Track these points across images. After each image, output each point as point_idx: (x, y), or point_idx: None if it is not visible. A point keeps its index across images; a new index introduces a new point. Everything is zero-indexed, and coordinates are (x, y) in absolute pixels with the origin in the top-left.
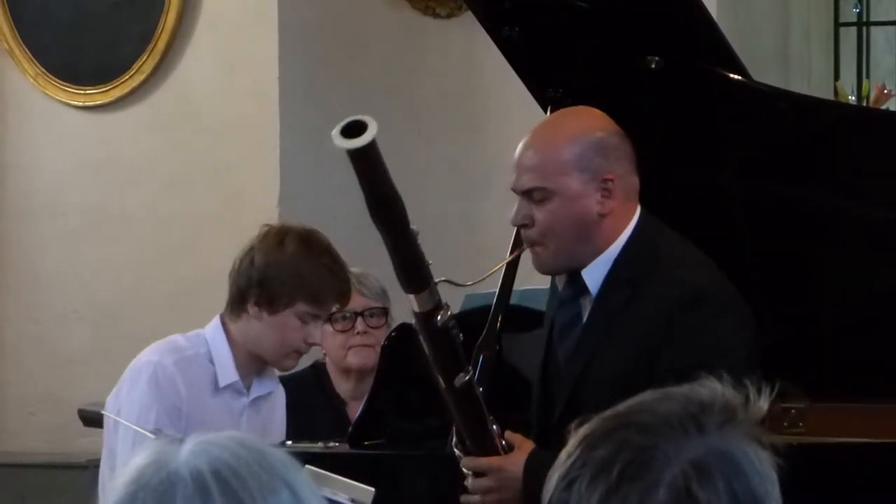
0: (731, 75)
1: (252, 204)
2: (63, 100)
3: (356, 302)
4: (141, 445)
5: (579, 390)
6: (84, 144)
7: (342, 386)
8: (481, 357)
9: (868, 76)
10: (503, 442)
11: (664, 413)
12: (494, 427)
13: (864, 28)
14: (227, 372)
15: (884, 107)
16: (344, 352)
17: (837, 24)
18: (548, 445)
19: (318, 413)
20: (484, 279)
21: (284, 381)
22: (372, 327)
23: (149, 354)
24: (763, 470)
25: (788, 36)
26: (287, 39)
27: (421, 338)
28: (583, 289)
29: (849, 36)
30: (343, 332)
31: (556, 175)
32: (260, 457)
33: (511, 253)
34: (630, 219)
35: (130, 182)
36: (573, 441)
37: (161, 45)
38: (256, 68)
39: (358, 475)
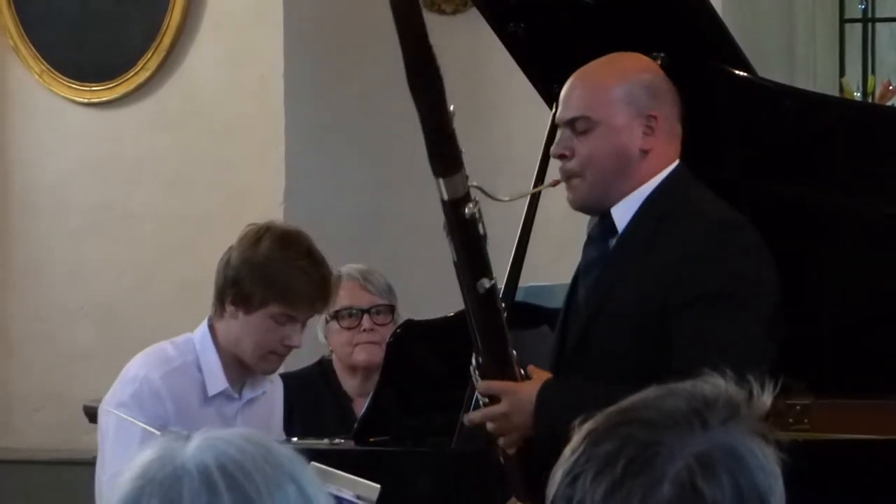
0: (737, 72)
1: (256, 202)
2: (68, 97)
3: (362, 299)
4: (139, 446)
5: (592, 324)
6: (88, 142)
7: (348, 383)
8: None
9: (873, 72)
10: (522, 371)
11: (668, 408)
12: (514, 352)
13: (870, 24)
14: (216, 380)
15: (889, 103)
16: (350, 349)
17: (842, 21)
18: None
19: (324, 410)
20: (516, 199)
21: (290, 377)
22: (378, 324)
23: (137, 367)
24: (767, 465)
25: (793, 32)
26: (291, 37)
27: (447, 232)
28: (611, 228)
29: (854, 32)
30: (349, 329)
31: (602, 106)
32: (266, 452)
33: (546, 184)
34: (668, 163)
35: (135, 179)
36: (577, 436)
37: (166, 42)
38: (261, 66)
39: (363, 472)
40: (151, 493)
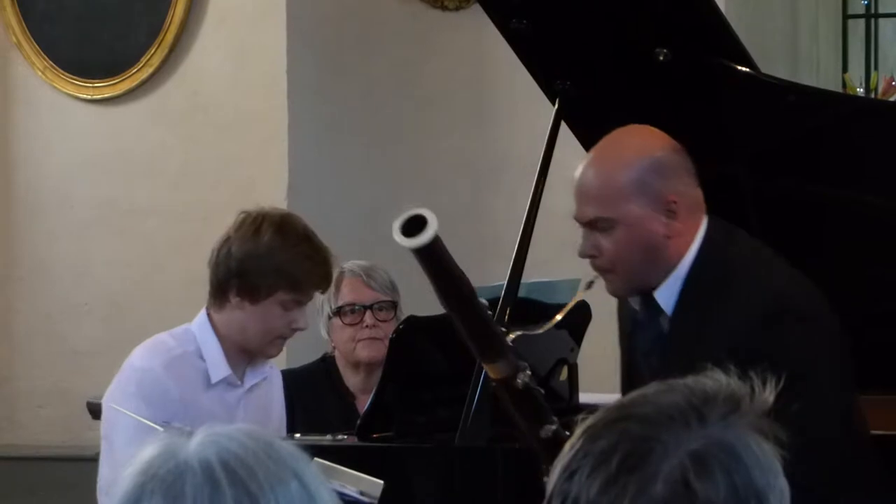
0: (740, 68)
1: (260, 197)
2: (72, 93)
3: (365, 295)
4: (143, 443)
5: None
6: (92, 138)
7: (351, 379)
8: None
9: (876, 68)
10: None
11: (666, 404)
12: None
13: (873, 20)
14: (219, 367)
15: (892, 98)
16: (353, 345)
17: (846, 17)
18: None
19: (328, 406)
20: (553, 322)
21: (294, 374)
22: (381, 320)
23: (138, 360)
24: (766, 462)
25: (797, 28)
26: (295, 32)
27: (507, 403)
28: (659, 309)
29: (857, 28)
30: (352, 325)
31: (617, 203)
32: (269, 448)
33: (580, 293)
34: (696, 233)
35: (139, 175)
36: (577, 433)
37: (169, 38)
38: (265, 61)
39: (366, 468)
40: (154, 489)
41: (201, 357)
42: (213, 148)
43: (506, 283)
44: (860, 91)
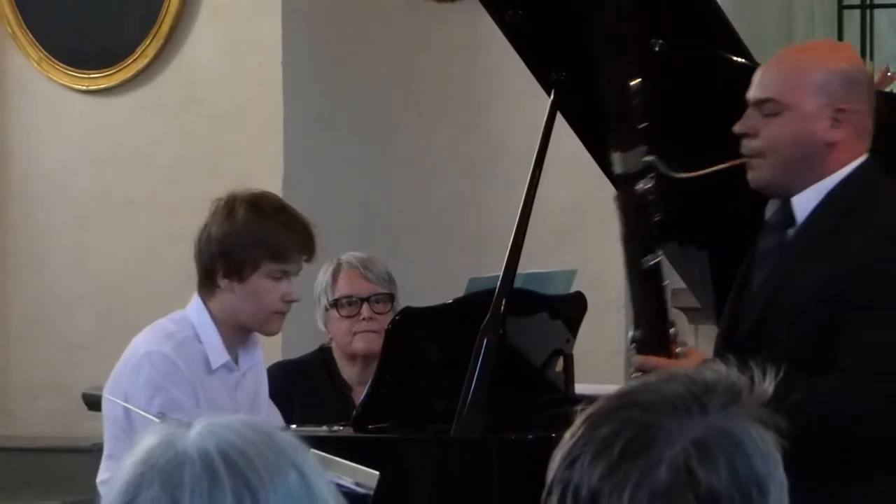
0: (735, 58)
1: (256, 188)
2: (66, 84)
3: (362, 287)
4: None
5: (766, 314)
6: (87, 129)
7: (348, 371)
8: (485, 341)
9: (871, 58)
10: (678, 349)
11: (668, 393)
12: (672, 330)
13: (868, 10)
14: (218, 353)
15: (887, 89)
16: (349, 337)
17: (841, 7)
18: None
19: (324, 398)
20: (699, 174)
21: (290, 365)
22: (378, 313)
23: (146, 345)
24: (766, 450)
25: (792, 19)
26: (291, 24)
27: (617, 206)
28: (790, 217)
29: (852, 18)
30: (348, 317)
31: (793, 91)
32: (268, 438)
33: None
34: (856, 157)
35: (134, 166)
36: (577, 420)
37: (164, 28)
38: (260, 52)
39: (362, 459)
40: (152, 479)
41: (200, 342)
42: (208, 139)
43: (501, 273)
44: None
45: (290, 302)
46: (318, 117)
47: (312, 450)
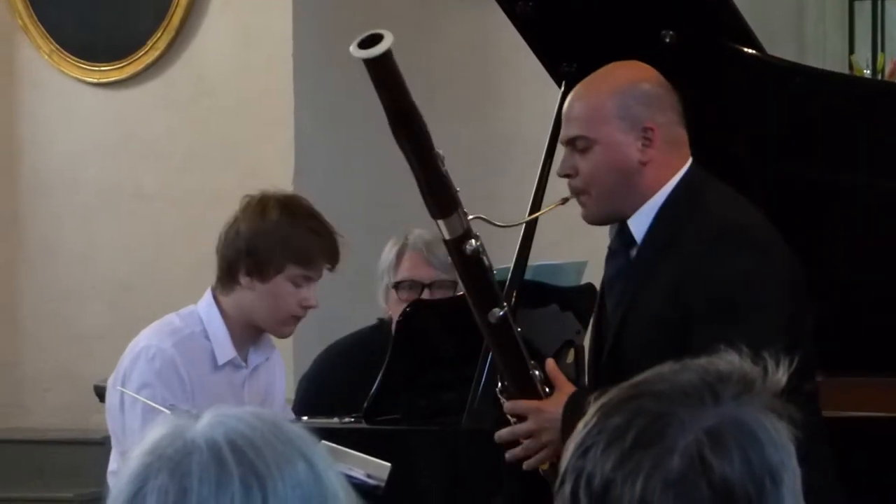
0: (746, 50)
1: (266, 180)
2: (78, 77)
3: (424, 272)
4: (152, 422)
5: (621, 332)
6: (99, 121)
7: None
8: None
9: (883, 50)
10: (546, 388)
11: (681, 382)
12: (536, 373)
13: (880, 2)
14: (225, 349)
15: None
16: None
17: None
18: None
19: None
20: (518, 224)
21: (350, 337)
22: None
23: (147, 339)
24: (779, 440)
25: (803, 10)
26: (301, 15)
27: (455, 269)
28: (630, 239)
29: (864, 10)
30: (407, 301)
31: (596, 124)
32: (276, 429)
33: (553, 204)
34: (676, 170)
35: (145, 158)
36: (591, 410)
37: (175, 21)
38: (271, 44)
39: (373, 450)
40: (160, 468)
41: (207, 339)
42: (218, 131)
43: (512, 265)
44: (867, 73)
45: (308, 308)
46: (328, 109)
47: (324, 441)
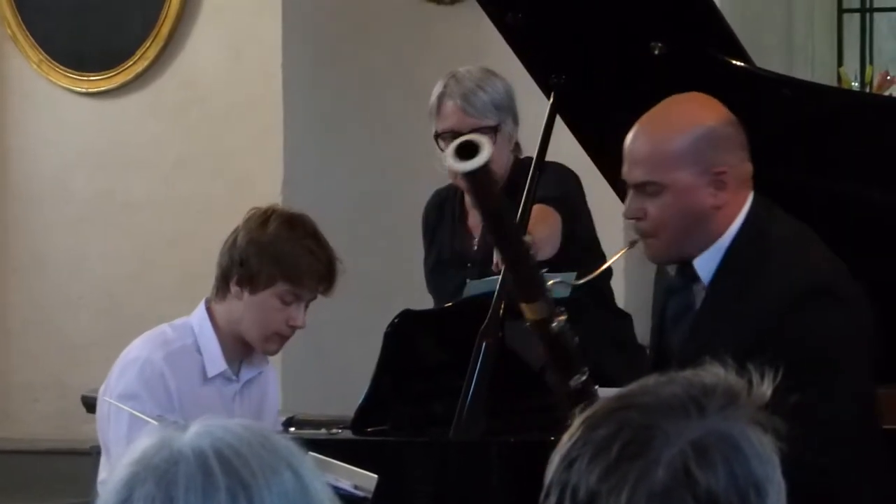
0: (734, 61)
1: (256, 189)
2: (67, 86)
3: (463, 122)
4: (139, 432)
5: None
6: (88, 130)
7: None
8: (484, 344)
9: (871, 63)
10: None
11: (666, 395)
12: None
13: (868, 14)
14: (215, 362)
15: (887, 93)
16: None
17: (841, 11)
18: None
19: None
20: (595, 276)
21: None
22: None
23: (138, 349)
24: (764, 453)
25: (792, 22)
26: (291, 25)
27: (543, 344)
28: (694, 277)
29: (852, 23)
30: None
31: (667, 169)
32: (263, 439)
33: (622, 250)
34: (742, 206)
35: (134, 168)
36: (575, 423)
37: (165, 30)
38: (260, 54)
39: (361, 462)
40: (146, 477)
41: (199, 351)
42: (208, 141)
43: (500, 276)
44: (855, 85)
45: (294, 327)
46: (318, 118)
47: (311, 453)
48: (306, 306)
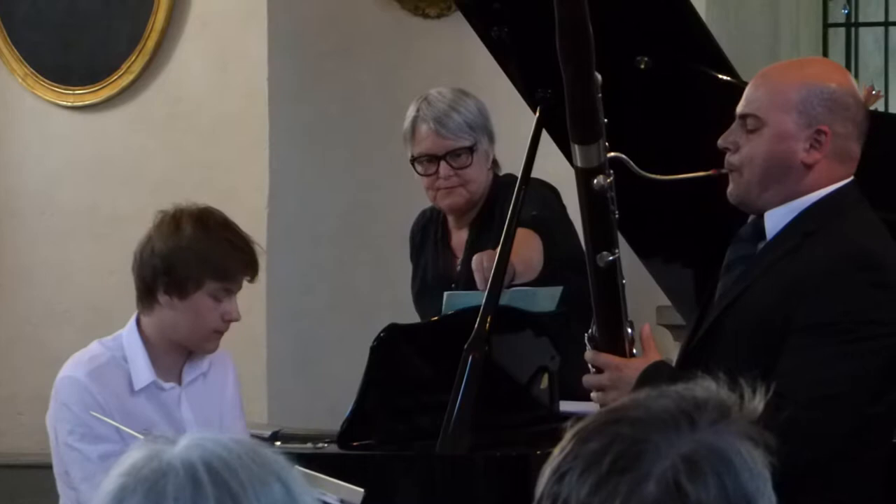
0: (720, 76)
1: (241, 203)
2: (52, 100)
3: (437, 145)
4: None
5: (719, 324)
6: (74, 144)
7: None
8: (470, 358)
9: (857, 77)
10: (633, 349)
11: (657, 409)
12: (629, 331)
13: (853, 29)
14: (142, 374)
15: (872, 108)
16: (434, 192)
17: (826, 25)
18: (684, 366)
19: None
20: (658, 179)
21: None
22: (458, 167)
23: (64, 370)
24: (755, 468)
25: (777, 37)
26: (277, 39)
27: (579, 199)
28: (761, 232)
29: (837, 37)
30: (427, 175)
31: (774, 109)
32: (253, 452)
33: (704, 172)
34: (834, 181)
35: (120, 182)
36: (567, 436)
37: (150, 44)
38: (246, 68)
39: (347, 476)
40: (135, 489)
41: (127, 364)
42: (194, 154)
43: (487, 290)
44: None
45: (230, 321)
46: (303, 132)
47: (297, 467)
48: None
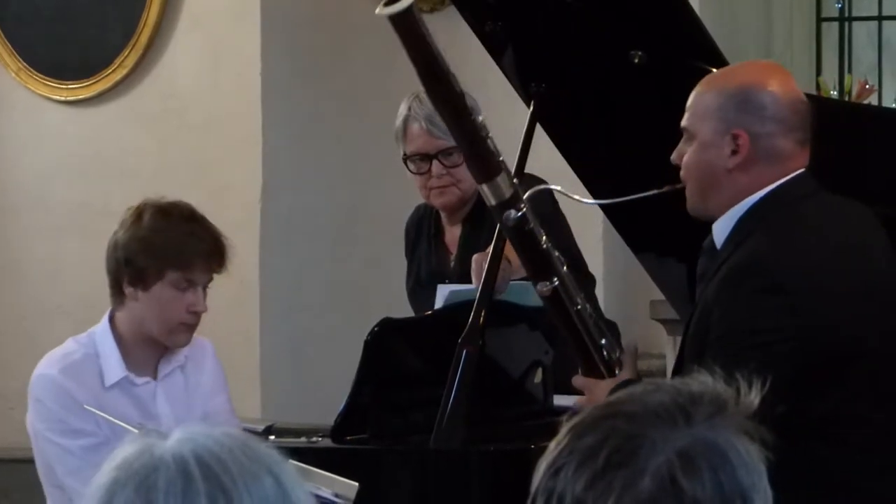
0: (714, 70)
1: (234, 199)
2: (45, 94)
3: (428, 144)
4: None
5: (684, 336)
6: (67, 139)
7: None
8: (464, 352)
9: (850, 71)
10: (615, 368)
11: (653, 403)
12: (605, 353)
13: (846, 23)
14: (113, 370)
15: (865, 102)
16: (426, 191)
17: (819, 20)
18: (681, 362)
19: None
20: (620, 201)
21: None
22: (450, 167)
23: (39, 367)
24: (751, 462)
25: (771, 31)
26: (270, 34)
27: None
28: (713, 242)
29: (831, 31)
30: (419, 174)
31: (697, 119)
32: (244, 446)
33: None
34: (766, 183)
35: (113, 176)
36: (562, 430)
37: (144, 39)
38: (239, 63)
39: (341, 470)
40: (126, 482)
41: (99, 360)
42: (187, 149)
43: (480, 285)
44: (834, 94)
45: (196, 313)
46: (297, 127)
47: (291, 461)
48: (204, 290)
